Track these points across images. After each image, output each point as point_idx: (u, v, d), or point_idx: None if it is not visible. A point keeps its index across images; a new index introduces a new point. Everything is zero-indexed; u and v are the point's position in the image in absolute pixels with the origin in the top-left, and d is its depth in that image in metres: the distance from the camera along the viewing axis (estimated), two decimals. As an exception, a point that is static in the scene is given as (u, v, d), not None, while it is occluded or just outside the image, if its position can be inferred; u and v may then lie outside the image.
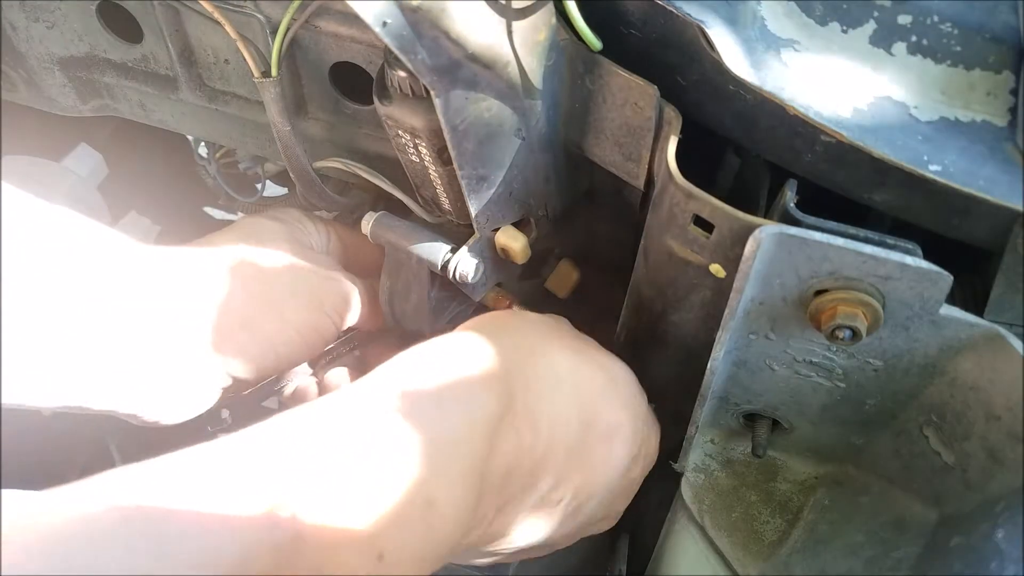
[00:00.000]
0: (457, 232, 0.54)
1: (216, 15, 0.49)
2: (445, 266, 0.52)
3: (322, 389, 0.60)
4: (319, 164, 0.58)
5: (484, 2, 0.39)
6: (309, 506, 0.31)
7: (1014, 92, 0.41)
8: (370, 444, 0.34)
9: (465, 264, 0.52)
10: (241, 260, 0.52)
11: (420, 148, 0.48)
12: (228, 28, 0.50)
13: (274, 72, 0.50)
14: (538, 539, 0.44)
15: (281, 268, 0.54)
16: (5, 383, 0.43)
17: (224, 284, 0.51)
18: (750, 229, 0.37)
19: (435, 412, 0.36)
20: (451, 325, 0.60)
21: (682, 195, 0.40)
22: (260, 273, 0.53)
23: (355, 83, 0.54)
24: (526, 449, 0.40)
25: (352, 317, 0.58)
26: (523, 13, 0.40)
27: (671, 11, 0.41)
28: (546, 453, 0.41)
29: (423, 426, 0.35)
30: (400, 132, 0.48)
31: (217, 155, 0.69)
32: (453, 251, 0.53)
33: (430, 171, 0.50)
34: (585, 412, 0.44)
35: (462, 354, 0.40)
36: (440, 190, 0.52)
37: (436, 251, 0.53)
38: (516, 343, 0.43)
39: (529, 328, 0.47)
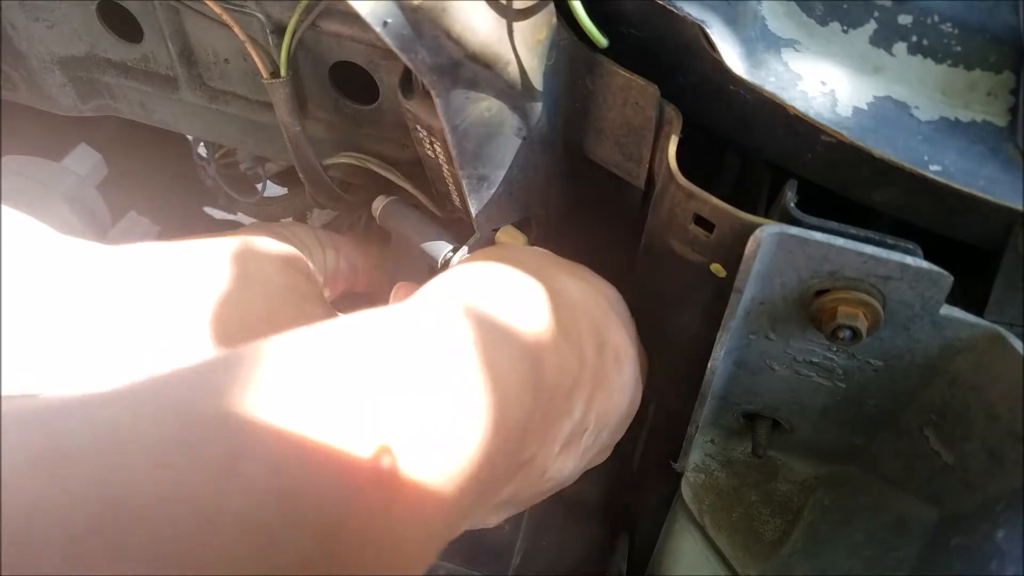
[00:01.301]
0: (466, 229, 0.54)
1: (224, 17, 0.49)
2: (445, 264, 0.53)
3: None
4: (330, 161, 0.58)
5: (485, 2, 0.39)
6: (410, 441, 0.28)
7: (1014, 92, 0.41)
8: (452, 381, 0.31)
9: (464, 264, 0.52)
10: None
11: (435, 146, 0.48)
12: (237, 30, 0.49)
13: (283, 72, 0.50)
14: (563, 475, 0.43)
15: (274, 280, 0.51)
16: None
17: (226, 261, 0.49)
18: (750, 229, 0.37)
19: (502, 342, 0.35)
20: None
21: (683, 194, 0.40)
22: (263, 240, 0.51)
23: (355, 83, 0.54)
24: (568, 370, 0.39)
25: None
26: (524, 13, 0.40)
27: (671, 11, 0.41)
28: (580, 374, 0.40)
29: (496, 358, 0.33)
30: (418, 127, 0.48)
31: (217, 155, 0.69)
32: (455, 250, 0.53)
33: (444, 169, 0.50)
34: (598, 335, 0.43)
35: (503, 282, 0.40)
36: (452, 187, 0.52)
37: (438, 249, 0.53)
38: (532, 269, 0.42)
39: (531, 255, 0.46)
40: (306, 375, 0.27)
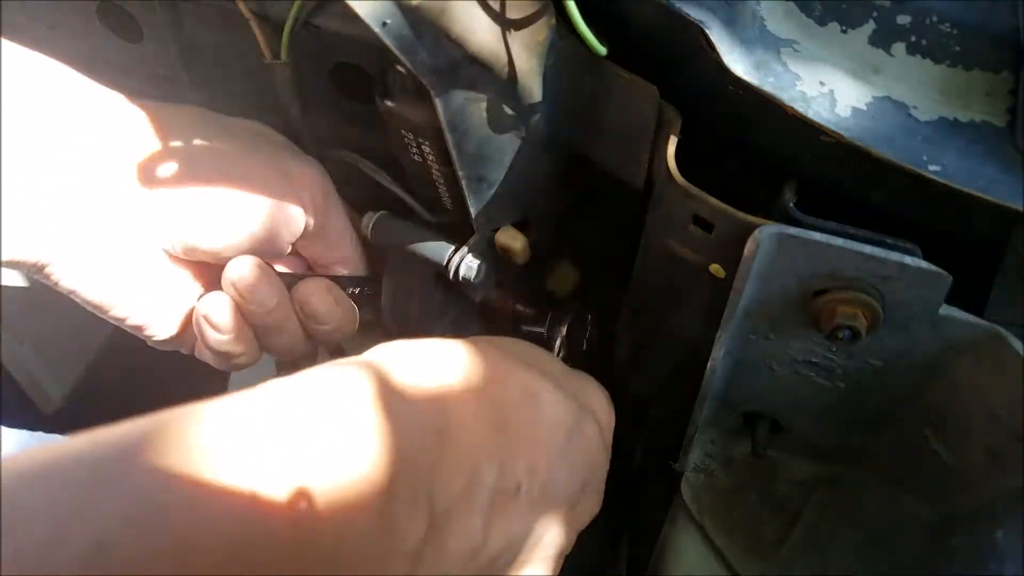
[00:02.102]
0: (459, 232, 0.54)
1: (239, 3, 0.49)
2: (447, 266, 0.52)
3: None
4: (326, 154, 0.58)
5: (485, 3, 0.39)
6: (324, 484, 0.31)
7: (1013, 92, 0.41)
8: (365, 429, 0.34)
9: (467, 264, 0.52)
10: (198, 122, 0.50)
11: (423, 148, 0.48)
12: (242, 6, 0.49)
13: (283, 56, 0.50)
14: (519, 535, 0.41)
15: (255, 128, 0.52)
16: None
17: (175, 139, 0.49)
18: (750, 229, 0.37)
19: (405, 392, 0.37)
20: (452, 326, 0.60)
21: (682, 195, 0.40)
22: (230, 129, 0.51)
23: (355, 83, 0.54)
24: (445, 449, 0.38)
25: (331, 218, 0.54)
26: (524, 15, 0.40)
27: (671, 11, 0.41)
28: (467, 441, 0.38)
29: (397, 406, 0.35)
30: (403, 131, 0.48)
31: (217, 155, 0.69)
32: (455, 252, 0.52)
33: (432, 171, 0.50)
34: (490, 388, 0.41)
35: (427, 347, 0.41)
36: (442, 190, 0.52)
37: (440, 251, 0.53)
38: (480, 348, 0.42)
39: (496, 347, 0.45)
40: (226, 431, 0.31)
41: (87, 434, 0.29)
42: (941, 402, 0.43)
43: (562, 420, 0.43)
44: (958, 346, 0.40)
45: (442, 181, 0.51)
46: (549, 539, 0.44)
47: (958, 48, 0.41)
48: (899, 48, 0.42)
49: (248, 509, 0.28)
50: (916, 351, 0.41)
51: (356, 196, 0.62)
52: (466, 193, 0.47)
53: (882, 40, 0.42)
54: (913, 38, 0.42)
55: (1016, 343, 0.37)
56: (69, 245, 0.46)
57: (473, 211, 0.49)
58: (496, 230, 0.53)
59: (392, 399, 0.36)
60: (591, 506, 0.48)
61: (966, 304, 0.40)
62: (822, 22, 0.43)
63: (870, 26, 0.42)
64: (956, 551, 0.43)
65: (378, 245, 0.55)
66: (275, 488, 0.29)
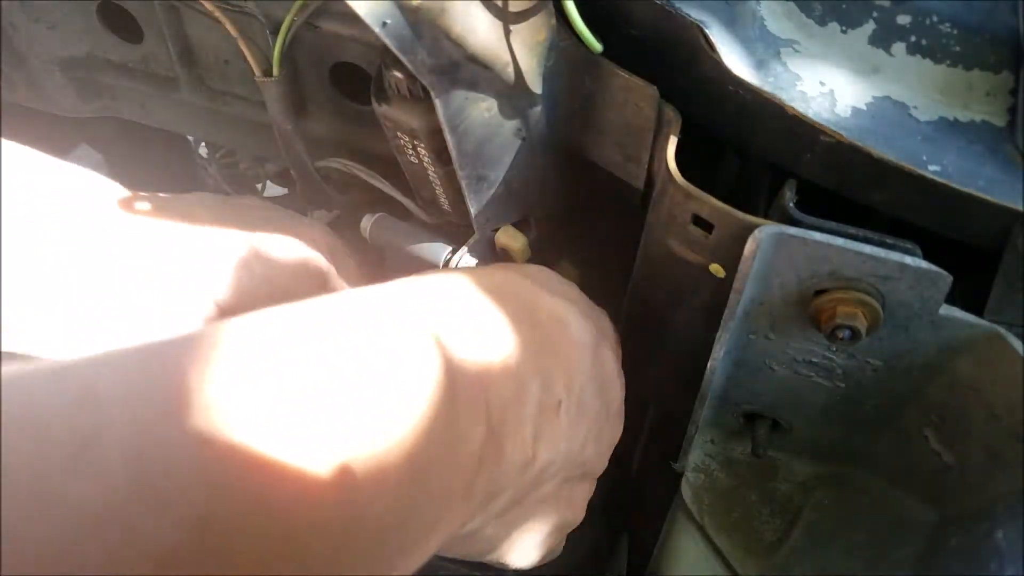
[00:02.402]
0: (457, 233, 0.54)
1: (216, 14, 0.49)
2: (446, 267, 0.52)
3: None
4: (320, 164, 0.58)
5: (484, 3, 0.39)
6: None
7: (1013, 92, 0.41)
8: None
9: (465, 265, 0.52)
10: (212, 200, 0.53)
11: (419, 149, 0.48)
12: (229, 27, 0.50)
13: (276, 71, 0.51)
14: (562, 450, 0.42)
15: (256, 204, 0.54)
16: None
17: (193, 214, 0.50)
18: (750, 229, 0.37)
19: (460, 371, 0.35)
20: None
21: (682, 195, 0.40)
22: (234, 206, 0.53)
23: (355, 83, 0.54)
24: (493, 363, 0.38)
25: (340, 269, 0.56)
26: (523, 14, 0.40)
27: (671, 11, 0.41)
28: (512, 356, 0.39)
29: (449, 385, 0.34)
30: (399, 134, 0.48)
31: (217, 155, 0.70)
32: (453, 252, 0.53)
33: (429, 172, 0.50)
34: (524, 312, 0.42)
35: (479, 308, 0.40)
36: (439, 191, 0.52)
37: (437, 252, 0.53)
38: (519, 299, 0.43)
39: (522, 279, 0.46)
40: (263, 374, 0.28)
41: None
42: (941, 402, 0.43)
43: (587, 343, 0.45)
44: (958, 346, 0.40)
45: (439, 182, 0.51)
46: (587, 456, 0.46)
47: (958, 48, 0.41)
48: (899, 48, 0.42)
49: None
50: (916, 351, 0.41)
51: (354, 199, 0.62)
52: (466, 193, 0.47)
53: (882, 40, 0.42)
54: (913, 38, 0.42)
55: (1016, 343, 0.37)
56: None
57: (473, 211, 0.49)
58: (496, 230, 0.53)
59: (441, 331, 0.35)
60: (615, 429, 0.50)
61: (966, 304, 0.40)
62: (822, 22, 0.43)
63: (870, 26, 0.42)
64: (956, 551, 0.43)
65: (376, 246, 0.55)
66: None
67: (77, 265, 0.46)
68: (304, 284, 0.54)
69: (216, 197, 0.55)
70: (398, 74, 0.44)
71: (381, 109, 0.46)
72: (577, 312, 0.45)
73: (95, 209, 0.48)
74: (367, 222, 0.55)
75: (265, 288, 0.52)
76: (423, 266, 0.54)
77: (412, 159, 0.49)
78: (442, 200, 0.53)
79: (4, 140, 0.45)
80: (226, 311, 0.50)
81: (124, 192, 0.50)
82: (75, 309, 0.46)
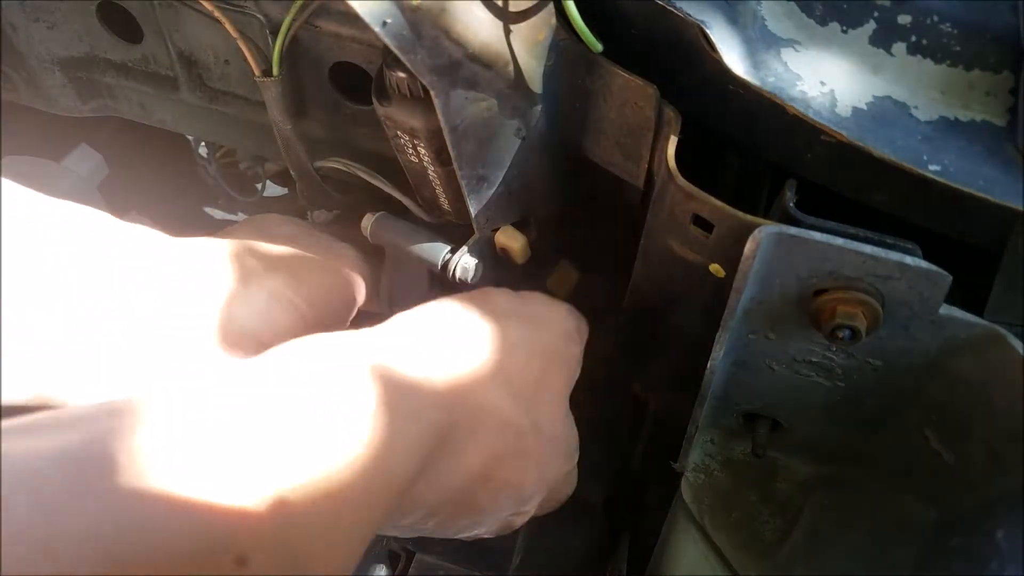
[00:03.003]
0: (457, 232, 0.54)
1: (216, 14, 0.49)
2: (445, 266, 0.52)
3: None
4: (319, 164, 0.58)
5: (484, 3, 0.39)
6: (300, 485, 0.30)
7: (1013, 92, 0.41)
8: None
9: (464, 264, 0.52)
10: (247, 240, 0.52)
11: (419, 149, 0.48)
12: (229, 27, 0.50)
13: (275, 72, 0.51)
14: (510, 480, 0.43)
15: (288, 236, 0.54)
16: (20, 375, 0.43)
17: (228, 263, 0.50)
18: (750, 229, 0.37)
19: (404, 397, 0.37)
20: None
21: (682, 195, 0.40)
22: (267, 245, 0.53)
23: (355, 83, 0.54)
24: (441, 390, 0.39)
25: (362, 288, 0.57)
26: (523, 14, 0.40)
27: (671, 11, 0.41)
28: (461, 383, 0.40)
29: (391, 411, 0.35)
30: (399, 133, 0.48)
31: (217, 155, 0.70)
32: (453, 251, 0.53)
33: (429, 172, 0.50)
34: (472, 340, 0.43)
35: (438, 335, 0.41)
36: (439, 190, 0.52)
37: (436, 251, 0.53)
38: (486, 323, 0.44)
39: (490, 304, 0.46)
40: (199, 425, 0.29)
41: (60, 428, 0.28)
42: (941, 402, 0.43)
43: (532, 376, 0.45)
44: (957, 346, 0.40)
45: (439, 182, 0.51)
46: (529, 492, 0.45)
47: (958, 48, 0.41)
48: (899, 48, 0.42)
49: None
50: (916, 351, 0.41)
51: (354, 199, 0.62)
52: (466, 193, 0.47)
53: (882, 40, 0.42)
54: (913, 38, 0.42)
55: (1016, 343, 0.37)
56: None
57: (473, 211, 0.49)
58: (496, 230, 0.53)
59: (388, 407, 0.35)
60: (557, 460, 0.49)
61: (966, 304, 0.40)
62: (823, 22, 0.43)
63: (870, 26, 0.42)
64: (956, 551, 0.43)
65: (377, 244, 0.55)
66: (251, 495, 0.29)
67: (81, 301, 0.45)
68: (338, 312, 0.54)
69: (258, 226, 0.56)
70: (400, 74, 0.44)
71: (382, 108, 0.46)
72: (528, 343, 0.45)
73: (94, 247, 0.47)
74: (368, 221, 0.55)
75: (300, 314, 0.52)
76: (422, 264, 0.54)
77: (412, 158, 0.49)
78: (442, 200, 0.53)
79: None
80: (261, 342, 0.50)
81: (120, 225, 0.49)
82: (88, 349, 0.45)
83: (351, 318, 0.57)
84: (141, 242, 0.49)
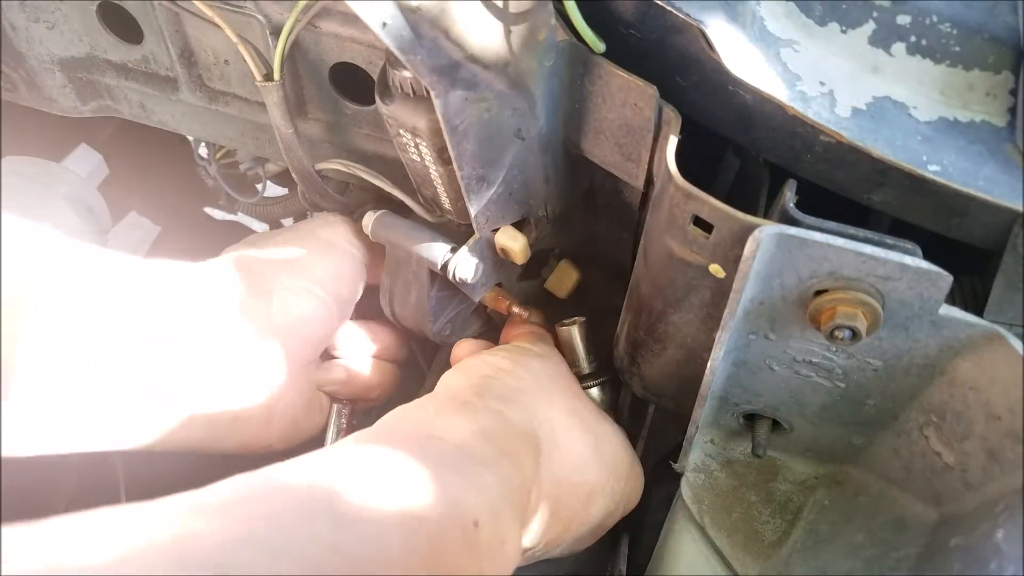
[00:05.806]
0: (457, 232, 0.54)
1: (216, 19, 0.49)
2: (445, 266, 0.52)
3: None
4: (320, 165, 0.58)
5: (484, 3, 0.39)
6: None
7: (1013, 92, 0.41)
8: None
9: (465, 264, 0.52)
10: (247, 252, 0.56)
11: (421, 148, 0.48)
12: (228, 32, 0.50)
13: (276, 76, 0.50)
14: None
15: (280, 239, 0.58)
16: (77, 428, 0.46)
17: (241, 275, 0.53)
18: (750, 229, 0.37)
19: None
20: (450, 325, 0.60)
21: (681, 195, 0.40)
22: (267, 251, 0.56)
23: (355, 83, 0.54)
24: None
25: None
26: (522, 15, 0.40)
27: (670, 11, 0.41)
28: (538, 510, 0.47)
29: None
30: (401, 132, 0.48)
31: (217, 155, 0.69)
32: (453, 251, 0.53)
33: (431, 171, 0.50)
34: (574, 474, 0.50)
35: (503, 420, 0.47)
36: (441, 190, 0.52)
37: (436, 251, 0.53)
38: (526, 405, 0.49)
39: (532, 382, 0.52)
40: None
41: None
42: (941, 402, 0.43)
43: (598, 518, 0.53)
44: (958, 346, 0.40)
45: (440, 181, 0.51)
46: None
47: (958, 48, 0.41)
48: (899, 48, 0.42)
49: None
50: (916, 351, 0.41)
51: (354, 199, 0.62)
52: (466, 193, 0.47)
53: (882, 40, 0.42)
54: (913, 38, 0.42)
55: (1016, 343, 0.37)
56: None
57: (473, 211, 0.49)
58: (496, 230, 0.53)
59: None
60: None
61: (966, 304, 0.40)
62: (822, 22, 0.43)
63: (870, 26, 0.42)
64: (956, 551, 0.43)
65: (376, 241, 0.55)
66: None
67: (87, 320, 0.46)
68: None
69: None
70: (404, 73, 0.44)
71: (385, 107, 0.46)
72: (609, 492, 0.53)
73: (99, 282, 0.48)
74: (369, 219, 0.55)
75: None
76: (423, 264, 0.54)
77: (414, 157, 0.49)
78: (443, 199, 0.53)
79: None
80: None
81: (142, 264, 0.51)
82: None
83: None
84: (165, 276, 0.51)
